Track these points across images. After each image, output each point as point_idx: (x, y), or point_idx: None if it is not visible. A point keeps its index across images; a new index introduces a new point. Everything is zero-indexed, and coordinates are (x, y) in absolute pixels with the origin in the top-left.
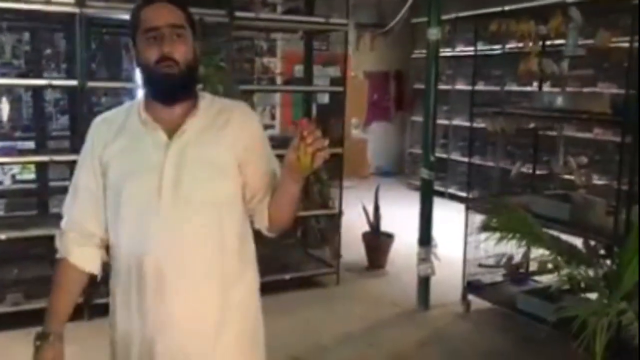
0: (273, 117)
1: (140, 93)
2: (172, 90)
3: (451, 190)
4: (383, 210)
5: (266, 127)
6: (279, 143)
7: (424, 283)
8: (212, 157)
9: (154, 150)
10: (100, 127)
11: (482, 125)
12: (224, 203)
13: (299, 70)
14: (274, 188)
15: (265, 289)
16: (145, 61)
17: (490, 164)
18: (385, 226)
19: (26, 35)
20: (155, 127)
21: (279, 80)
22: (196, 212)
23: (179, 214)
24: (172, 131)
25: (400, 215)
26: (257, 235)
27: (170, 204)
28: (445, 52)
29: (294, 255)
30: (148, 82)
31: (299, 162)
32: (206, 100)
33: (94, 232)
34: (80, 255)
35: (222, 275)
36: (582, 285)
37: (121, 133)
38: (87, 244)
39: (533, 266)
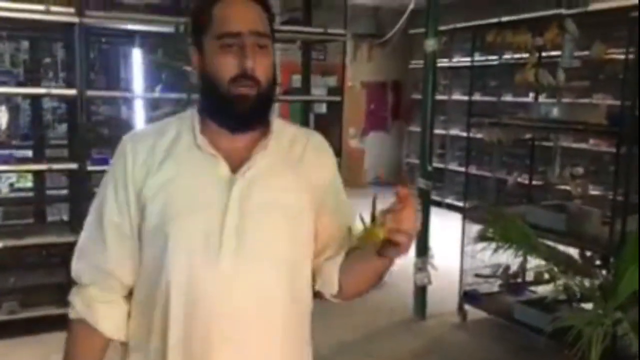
0: None
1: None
2: (246, 117)
3: (448, 200)
4: None
5: None
6: None
7: (421, 292)
8: (285, 202)
9: (213, 186)
10: (138, 151)
11: (479, 135)
12: (297, 260)
13: (296, 80)
14: (348, 246)
15: None
16: (216, 75)
17: (487, 174)
18: None
19: (25, 44)
20: (215, 156)
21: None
22: (264, 270)
23: (243, 272)
24: (234, 163)
25: None
26: None
27: (231, 259)
28: (443, 62)
29: None
30: (215, 102)
31: (374, 229)
32: (276, 126)
33: (124, 283)
34: (108, 318)
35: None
36: (578, 295)
37: (169, 158)
38: (114, 301)
39: (529, 276)
